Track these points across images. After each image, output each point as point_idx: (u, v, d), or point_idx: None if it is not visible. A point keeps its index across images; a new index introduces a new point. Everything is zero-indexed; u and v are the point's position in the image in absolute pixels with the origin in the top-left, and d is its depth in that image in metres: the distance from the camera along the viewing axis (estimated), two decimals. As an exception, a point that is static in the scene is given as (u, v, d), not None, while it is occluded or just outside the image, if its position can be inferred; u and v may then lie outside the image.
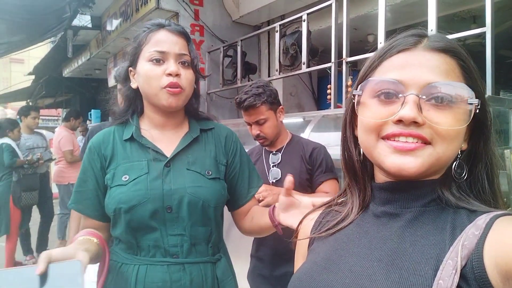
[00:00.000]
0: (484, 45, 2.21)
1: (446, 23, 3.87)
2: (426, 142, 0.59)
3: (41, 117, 5.44)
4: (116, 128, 1.22)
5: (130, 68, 1.19)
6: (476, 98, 0.60)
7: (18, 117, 5.03)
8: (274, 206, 1.15)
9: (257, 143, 2.04)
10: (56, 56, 8.27)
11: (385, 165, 0.61)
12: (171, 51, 1.11)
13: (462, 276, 0.51)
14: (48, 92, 10.91)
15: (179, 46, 1.13)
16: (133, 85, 1.18)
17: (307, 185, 1.88)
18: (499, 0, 2.98)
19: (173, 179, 1.13)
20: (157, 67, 1.10)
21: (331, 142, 1.97)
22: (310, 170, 1.90)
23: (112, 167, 1.15)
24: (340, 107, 3.02)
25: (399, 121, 0.59)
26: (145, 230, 1.10)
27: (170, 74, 1.09)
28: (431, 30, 2.36)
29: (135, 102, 1.22)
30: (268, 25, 4.65)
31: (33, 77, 10.68)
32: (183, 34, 1.16)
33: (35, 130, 5.10)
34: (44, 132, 6.02)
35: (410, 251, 0.59)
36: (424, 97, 0.59)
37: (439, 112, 0.58)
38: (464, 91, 0.59)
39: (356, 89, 0.67)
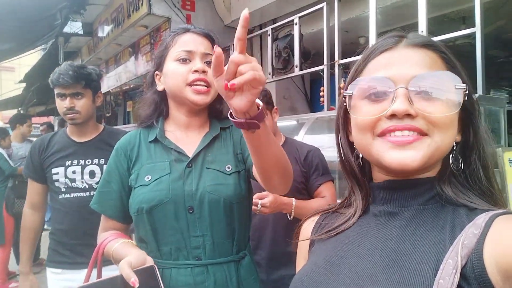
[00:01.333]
0: (473, 46, 2.23)
1: (436, 24, 3.91)
2: (422, 134, 0.59)
3: (32, 125, 5.39)
4: (142, 130, 1.25)
5: (156, 72, 1.22)
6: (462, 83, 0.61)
7: (8, 125, 4.98)
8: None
9: None
10: (47, 64, 8.21)
11: (385, 161, 0.61)
12: (197, 50, 1.15)
13: (463, 275, 0.51)
14: (39, 100, 10.82)
15: (204, 46, 1.17)
16: (159, 87, 1.21)
17: (302, 188, 1.85)
18: (488, 1, 3.02)
19: (194, 179, 1.13)
20: (184, 65, 1.14)
21: (325, 144, 1.98)
22: (305, 173, 1.87)
23: (136, 168, 1.17)
24: (333, 109, 3.03)
25: (393, 116, 0.60)
26: (167, 231, 1.11)
27: (196, 71, 1.13)
28: (422, 31, 2.39)
29: (161, 105, 1.24)
30: (260, 29, 4.67)
31: (24, 85, 10.60)
32: (208, 35, 1.21)
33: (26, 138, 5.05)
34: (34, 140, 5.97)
35: (410, 251, 0.59)
36: (412, 89, 0.60)
37: (430, 102, 0.59)
38: (450, 78, 0.60)
39: (346, 90, 0.68)
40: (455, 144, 0.64)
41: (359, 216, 0.72)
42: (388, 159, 0.60)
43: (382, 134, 0.61)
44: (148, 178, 1.13)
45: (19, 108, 11.35)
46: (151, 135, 1.21)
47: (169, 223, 1.11)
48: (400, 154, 0.59)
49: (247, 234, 1.25)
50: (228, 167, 1.17)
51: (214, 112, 1.26)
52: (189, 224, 1.11)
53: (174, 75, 1.14)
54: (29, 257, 1.97)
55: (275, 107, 1.97)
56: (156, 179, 1.12)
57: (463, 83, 0.61)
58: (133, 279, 0.86)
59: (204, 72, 1.13)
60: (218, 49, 0.71)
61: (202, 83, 1.13)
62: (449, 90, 0.60)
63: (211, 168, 1.16)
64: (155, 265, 0.95)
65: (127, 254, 0.98)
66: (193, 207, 1.11)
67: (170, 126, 1.23)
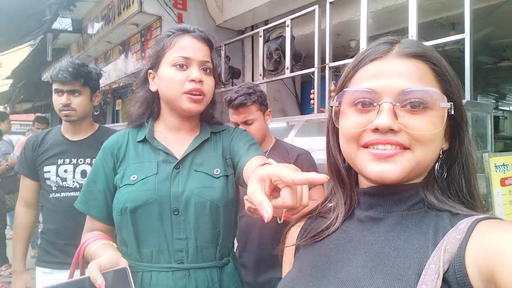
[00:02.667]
0: (462, 51, 2.26)
1: (426, 29, 3.95)
2: (405, 148, 0.60)
3: (19, 122, 5.33)
4: (131, 130, 1.23)
5: (150, 71, 1.19)
6: (450, 100, 0.61)
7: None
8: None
9: None
10: (35, 60, 8.12)
11: (366, 173, 0.63)
12: (195, 58, 1.13)
13: (445, 280, 0.51)
14: (26, 97, 10.68)
15: (203, 53, 1.15)
16: (153, 88, 1.19)
17: None
18: (478, 7, 3.06)
19: (181, 181, 1.12)
20: (181, 72, 1.12)
21: (315, 146, 1.98)
22: None
23: (122, 167, 1.16)
24: (324, 111, 3.04)
25: (376, 129, 0.60)
26: (150, 233, 1.09)
27: (193, 80, 1.11)
28: (412, 36, 2.40)
29: (153, 105, 1.22)
30: (252, 30, 4.67)
31: (11, 81, 10.45)
32: (207, 41, 1.18)
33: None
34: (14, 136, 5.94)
35: (393, 256, 0.59)
36: (398, 104, 0.60)
37: (414, 117, 0.60)
38: (436, 95, 0.60)
39: (334, 100, 0.68)
40: (441, 153, 0.65)
41: (342, 221, 0.72)
42: (369, 171, 0.62)
43: (366, 146, 0.62)
44: (134, 177, 1.11)
45: (5, 105, 11.19)
46: (140, 135, 1.20)
47: (153, 224, 1.09)
48: (380, 166, 0.60)
49: (232, 240, 1.23)
50: (217, 171, 1.16)
51: (205, 116, 1.26)
52: (173, 226, 1.09)
53: (170, 82, 1.12)
54: (22, 255, 1.93)
55: (268, 109, 1.95)
56: (142, 179, 1.11)
57: (450, 100, 0.61)
58: (100, 282, 0.84)
59: (200, 81, 1.12)
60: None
61: (198, 93, 1.12)
62: (434, 106, 0.60)
63: (199, 170, 1.15)
64: (127, 267, 0.92)
65: (111, 256, 0.96)
66: (178, 209, 1.10)
67: (160, 127, 1.22)
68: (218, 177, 1.15)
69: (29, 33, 6.34)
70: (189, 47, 1.13)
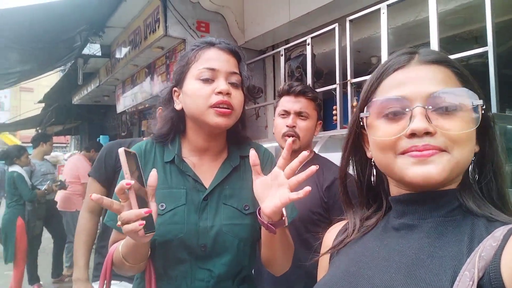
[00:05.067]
0: (486, 65, 2.24)
1: (448, 44, 3.92)
2: (441, 150, 0.60)
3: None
4: (157, 146, 1.14)
5: (175, 89, 1.12)
6: (479, 99, 0.62)
7: (30, 144, 5.13)
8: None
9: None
10: (66, 84, 8.46)
11: (408, 177, 0.62)
12: (221, 69, 1.05)
13: (479, 287, 0.51)
14: (57, 120, 11.09)
15: (230, 65, 1.07)
16: (177, 106, 1.11)
17: (317, 220, 1.58)
18: (500, 21, 3.03)
19: (209, 215, 1.06)
20: (207, 85, 1.04)
21: (338, 162, 1.97)
22: (325, 204, 1.59)
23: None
24: (346, 127, 3.04)
25: (412, 135, 0.61)
26: (177, 261, 1.05)
27: (220, 93, 1.02)
28: (434, 50, 2.40)
29: (178, 125, 1.14)
30: (273, 49, 4.74)
31: (43, 105, 10.89)
32: (234, 52, 1.11)
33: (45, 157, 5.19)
34: (52, 159, 6.13)
35: (428, 263, 0.59)
36: (430, 107, 0.61)
37: (448, 119, 0.61)
38: (467, 95, 0.62)
39: (363, 112, 0.69)
40: (473, 155, 0.66)
41: (362, 232, 0.74)
42: (411, 174, 0.61)
43: (403, 153, 0.62)
44: (162, 206, 1.04)
45: (38, 128, 11.65)
46: (168, 155, 1.12)
47: (180, 255, 1.04)
48: (422, 169, 0.60)
49: (251, 267, 1.17)
50: (246, 206, 1.09)
51: (233, 137, 1.16)
52: (198, 257, 1.05)
53: (196, 96, 1.04)
54: (85, 262, 1.85)
55: (320, 121, 1.79)
56: (171, 210, 1.04)
57: (479, 99, 0.62)
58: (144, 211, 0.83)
59: (228, 94, 1.03)
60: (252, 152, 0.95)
61: (225, 106, 1.03)
62: (466, 106, 0.61)
63: (228, 204, 1.08)
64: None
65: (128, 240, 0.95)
66: (206, 245, 1.05)
67: (186, 149, 1.14)
68: (247, 214, 1.09)
69: (61, 58, 6.63)
70: (215, 58, 1.06)
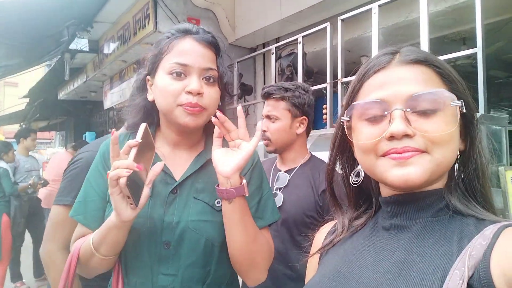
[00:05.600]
0: (474, 66, 2.27)
1: (437, 45, 3.97)
2: (422, 151, 0.60)
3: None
4: (131, 137, 1.05)
5: (148, 77, 1.04)
6: (458, 99, 0.62)
7: (14, 140, 5.03)
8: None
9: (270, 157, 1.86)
10: (52, 79, 8.32)
11: (388, 180, 0.62)
12: (194, 65, 0.96)
13: (469, 286, 0.51)
14: (42, 115, 10.90)
15: (204, 59, 0.98)
16: (149, 96, 1.03)
17: (310, 223, 1.54)
18: (489, 22, 3.08)
19: (177, 209, 0.97)
20: (177, 81, 0.95)
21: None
22: (320, 208, 1.56)
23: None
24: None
25: (392, 137, 0.61)
26: (136, 262, 0.97)
27: (190, 92, 0.94)
28: (424, 51, 2.42)
29: (152, 115, 1.07)
30: (264, 47, 4.74)
31: (27, 100, 10.69)
32: (211, 44, 1.00)
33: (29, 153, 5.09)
34: (36, 155, 6.01)
35: (417, 262, 0.59)
36: (408, 109, 0.61)
37: (427, 120, 0.61)
38: (445, 96, 0.61)
39: (344, 116, 0.70)
40: (459, 154, 0.65)
41: (346, 232, 0.75)
42: (391, 177, 0.61)
43: (384, 155, 0.63)
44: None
45: (22, 123, 11.43)
46: None
47: (140, 254, 0.96)
48: (402, 170, 0.60)
49: (224, 278, 1.04)
50: (218, 202, 1.00)
51: (211, 128, 1.04)
52: (161, 260, 0.96)
53: (165, 92, 0.95)
54: None
55: (303, 117, 1.72)
56: None
57: (458, 99, 0.62)
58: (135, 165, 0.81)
59: (199, 94, 0.95)
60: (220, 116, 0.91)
61: (195, 106, 0.95)
62: (445, 107, 0.61)
63: (198, 198, 1.00)
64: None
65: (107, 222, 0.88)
66: (170, 243, 0.95)
67: (159, 141, 1.07)
68: (219, 210, 0.99)
69: (47, 53, 6.52)
70: (189, 51, 0.96)
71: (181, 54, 0.96)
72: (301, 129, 1.71)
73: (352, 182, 0.74)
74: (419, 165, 0.60)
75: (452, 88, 0.64)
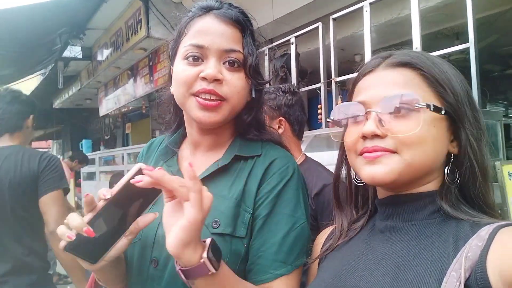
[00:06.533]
0: (468, 61, 2.26)
1: (430, 40, 3.97)
2: (393, 152, 0.63)
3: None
4: (167, 137, 0.96)
5: (171, 68, 0.90)
6: (445, 102, 0.63)
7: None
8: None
9: None
10: (47, 88, 8.31)
11: (362, 177, 0.67)
12: (212, 46, 0.79)
13: (467, 287, 0.51)
14: (38, 124, 10.83)
15: (226, 39, 0.80)
16: (171, 89, 0.88)
17: None
18: (481, 16, 3.07)
19: None
20: (192, 67, 0.79)
21: (324, 161, 1.95)
22: (313, 212, 1.42)
23: None
24: (333, 126, 3.04)
25: (365, 137, 0.64)
26: (130, 277, 0.85)
27: (205, 78, 0.77)
28: (416, 48, 2.42)
29: (178, 110, 0.93)
30: (257, 49, 4.73)
31: (23, 109, 10.64)
32: (236, 21, 0.82)
33: None
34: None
35: (414, 265, 0.59)
36: (379, 111, 0.64)
37: (399, 121, 0.63)
38: (412, 98, 0.62)
39: (330, 116, 0.75)
40: (452, 157, 0.66)
41: (350, 236, 0.75)
42: (363, 174, 0.66)
43: (361, 154, 0.66)
44: None
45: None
46: (162, 146, 0.95)
47: (132, 269, 0.83)
48: (371, 168, 0.64)
49: None
50: (215, 223, 0.77)
51: (240, 126, 0.89)
52: (148, 280, 0.80)
53: (177, 81, 0.81)
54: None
55: (280, 118, 1.65)
56: None
57: (444, 102, 0.63)
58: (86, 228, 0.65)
59: (217, 80, 0.78)
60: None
61: (212, 96, 0.79)
62: (419, 109, 0.62)
63: None
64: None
65: None
66: (158, 261, 0.79)
67: (187, 140, 0.94)
68: (213, 233, 0.76)
69: (40, 62, 6.51)
70: (207, 31, 0.80)
71: (197, 35, 0.80)
72: (280, 130, 1.64)
73: (355, 180, 0.77)
74: (386, 164, 0.62)
75: (438, 91, 0.64)
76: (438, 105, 0.63)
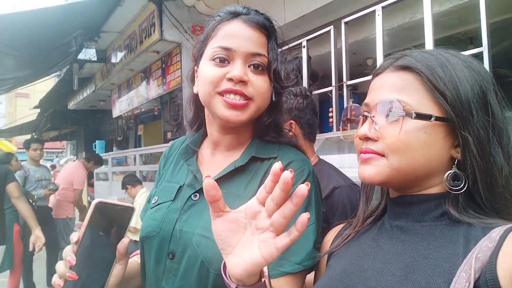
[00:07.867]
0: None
1: (444, 45, 3.92)
2: (381, 155, 0.65)
3: (45, 150, 5.49)
4: (189, 137, 1.00)
5: (196, 68, 0.94)
6: (444, 108, 0.61)
7: (24, 150, 5.11)
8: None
9: None
10: (62, 89, 8.45)
11: (358, 175, 0.70)
12: (239, 49, 0.83)
13: None
14: (53, 125, 11.07)
15: (252, 43, 0.84)
16: (195, 89, 0.93)
17: None
18: (495, 21, 3.04)
19: (190, 217, 0.85)
20: (219, 68, 0.83)
21: (335, 164, 1.95)
22: (324, 214, 1.31)
23: (160, 183, 0.99)
24: (346, 129, 3.03)
25: (360, 138, 0.68)
26: (149, 270, 0.90)
27: (231, 79, 0.81)
28: (429, 52, 2.41)
29: (201, 110, 0.97)
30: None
31: (38, 110, 10.85)
32: (262, 27, 0.86)
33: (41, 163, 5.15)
34: (48, 164, 6.09)
35: (423, 265, 0.59)
36: (373, 115, 0.66)
37: (390, 126, 0.64)
38: (399, 105, 0.63)
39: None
40: (455, 163, 0.64)
41: (359, 228, 0.77)
42: (358, 172, 0.69)
43: (359, 154, 0.69)
44: (155, 200, 0.94)
45: (33, 133, 11.59)
46: (183, 145, 1.00)
47: (151, 261, 0.88)
48: (362, 168, 0.67)
49: None
50: None
51: (259, 128, 0.92)
52: (164, 272, 0.85)
53: (205, 80, 0.84)
54: None
55: (290, 121, 1.64)
56: (157, 204, 0.92)
57: (444, 108, 0.61)
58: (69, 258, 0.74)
59: (242, 82, 0.82)
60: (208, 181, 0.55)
61: (237, 96, 0.83)
62: (400, 115, 0.63)
63: None
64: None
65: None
66: (174, 253, 0.84)
67: (207, 140, 0.97)
68: None
69: (56, 64, 6.63)
70: (234, 34, 0.84)
71: (225, 38, 0.84)
72: (290, 133, 1.61)
73: None
74: (374, 166, 0.65)
75: (437, 97, 0.62)
76: (435, 111, 0.61)
